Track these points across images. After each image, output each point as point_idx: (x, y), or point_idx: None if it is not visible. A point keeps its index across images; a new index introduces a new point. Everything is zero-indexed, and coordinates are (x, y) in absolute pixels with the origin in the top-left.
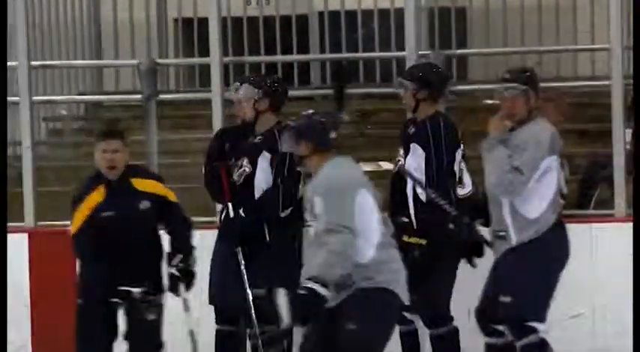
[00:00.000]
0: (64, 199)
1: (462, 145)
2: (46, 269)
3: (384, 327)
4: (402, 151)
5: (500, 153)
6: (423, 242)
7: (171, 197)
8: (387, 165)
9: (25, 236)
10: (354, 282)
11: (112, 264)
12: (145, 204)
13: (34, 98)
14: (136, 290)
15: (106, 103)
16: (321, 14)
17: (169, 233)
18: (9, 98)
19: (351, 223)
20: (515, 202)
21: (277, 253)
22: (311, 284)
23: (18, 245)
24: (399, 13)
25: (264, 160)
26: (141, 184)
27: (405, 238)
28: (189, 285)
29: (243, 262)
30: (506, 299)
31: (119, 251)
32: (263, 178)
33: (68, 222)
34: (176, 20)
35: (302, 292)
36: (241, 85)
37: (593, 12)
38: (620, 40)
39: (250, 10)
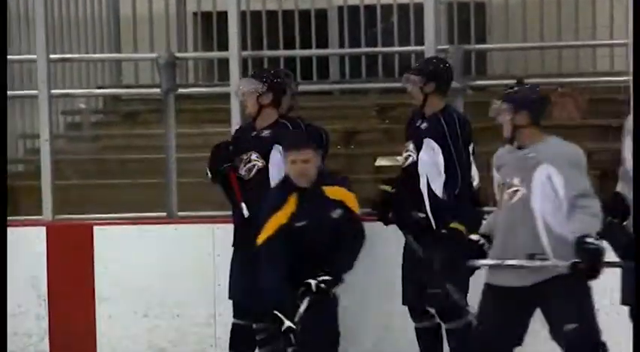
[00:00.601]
0: (82, 193)
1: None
2: (64, 262)
3: (595, 315)
4: (411, 146)
5: None
6: (462, 227)
7: (356, 208)
8: None
9: (43, 229)
10: (546, 258)
11: (301, 275)
12: (337, 213)
13: (53, 91)
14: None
15: (124, 97)
16: (340, 8)
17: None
18: (28, 91)
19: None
20: None
21: None
22: (593, 240)
23: (36, 238)
24: (419, 7)
25: (277, 154)
26: (332, 192)
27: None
28: (310, 305)
29: None
30: None
31: (310, 261)
32: (277, 173)
33: (86, 216)
34: (195, 14)
35: (590, 247)
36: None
37: (613, 7)
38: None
39: (269, 4)
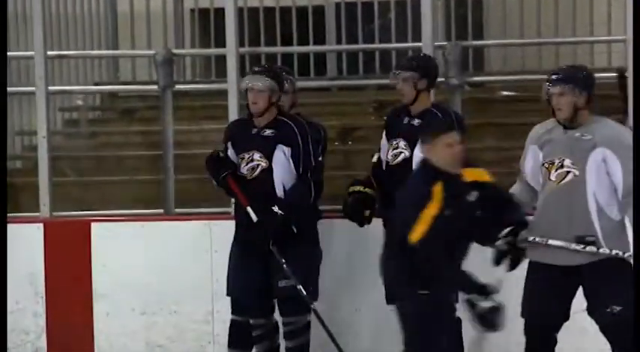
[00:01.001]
0: (79, 189)
1: None
2: (61, 259)
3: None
4: (402, 143)
5: None
6: None
7: (491, 180)
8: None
9: (41, 226)
10: (594, 241)
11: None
12: (473, 195)
13: (50, 88)
14: None
15: (122, 94)
16: (337, 5)
17: (500, 212)
18: (25, 88)
19: None
20: None
21: (309, 245)
22: None
23: (33, 235)
24: (416, 3)
25: (280, 154)
26: (468, 174)
27: None
28: (514, 262)
29: (283, 260)
30: None
31: (461, 249)
32: (282, 173)
33: (83, 212)
34: (192, 11)
35: None
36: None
37: (610, 3)
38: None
39: (267, 0)
